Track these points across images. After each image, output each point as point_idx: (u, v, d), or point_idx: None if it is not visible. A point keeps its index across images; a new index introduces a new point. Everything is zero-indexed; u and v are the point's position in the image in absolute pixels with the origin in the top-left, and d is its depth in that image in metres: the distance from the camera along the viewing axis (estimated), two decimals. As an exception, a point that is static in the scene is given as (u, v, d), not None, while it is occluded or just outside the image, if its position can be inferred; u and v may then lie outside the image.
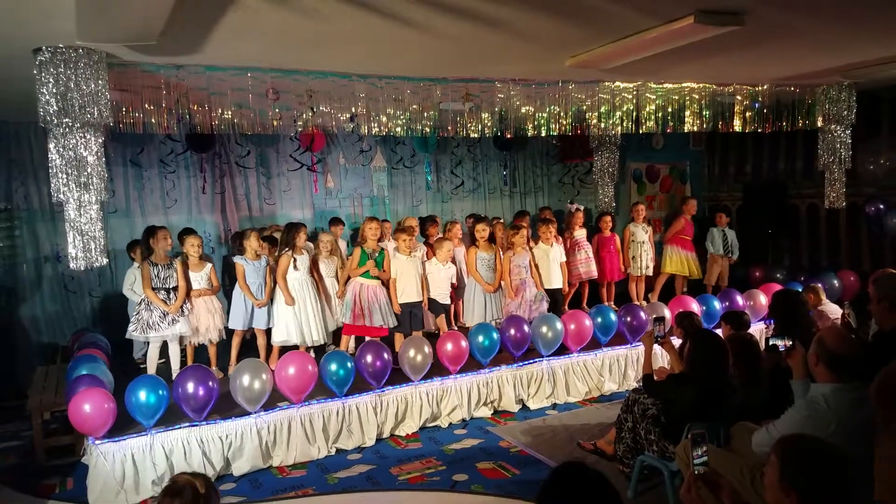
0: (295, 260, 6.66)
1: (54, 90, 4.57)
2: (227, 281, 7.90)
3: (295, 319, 6.60)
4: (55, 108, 4.57)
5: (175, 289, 6.31)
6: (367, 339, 6.50)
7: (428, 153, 10.56)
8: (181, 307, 6.31)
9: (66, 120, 4.60)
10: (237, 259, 6.63)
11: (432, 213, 9.59)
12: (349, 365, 5.80)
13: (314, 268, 6.99)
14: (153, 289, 6.21)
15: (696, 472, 2.70)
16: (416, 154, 10.52)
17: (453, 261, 7.25)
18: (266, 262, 6.66)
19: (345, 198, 10.09)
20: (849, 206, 8.74)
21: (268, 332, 6.77)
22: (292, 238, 6.71)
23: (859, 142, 8.62)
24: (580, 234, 8.76)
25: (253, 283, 6.55)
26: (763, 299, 7.77)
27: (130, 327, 6.31)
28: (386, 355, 5.97)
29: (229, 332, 6.74)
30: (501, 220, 9.08)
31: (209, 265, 6.63)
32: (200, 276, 6.52)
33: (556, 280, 7.86)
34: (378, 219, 7.06)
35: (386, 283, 6.77)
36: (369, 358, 5.89)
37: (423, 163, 10.64)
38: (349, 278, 6.92)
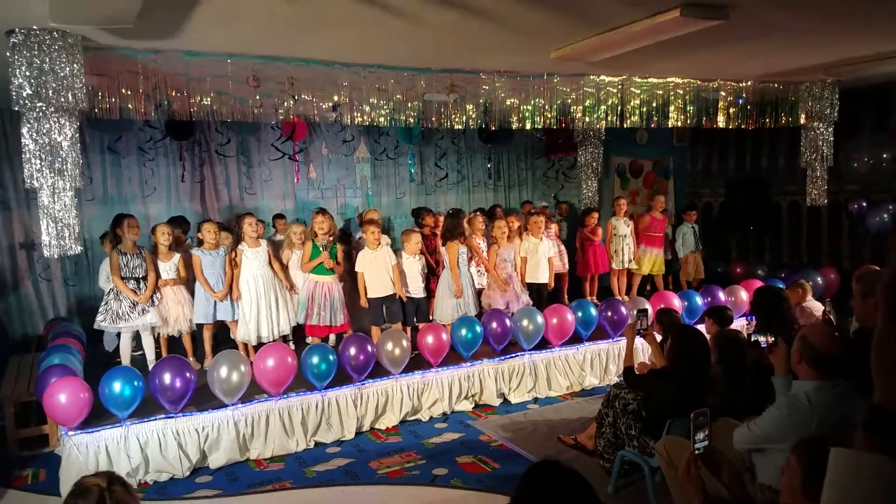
0: (237, 256, 6.51)
1: (27, 73, 4.47)
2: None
3: (250, 316, 6.50)
4: (28, 91, 4.48)
5: (144, 278, 6.20)
6: (345, 334, 6.44)
7: (412, 144, 10.48)
8: (151, 297, 6.21)
9: (40, 104, 4.51)
10: (194, 251, 6.51)
11: (418, 206, 9.54)
12: (331, 358, 5.73)
13: (277, 260, 6.80)
14: (122, 278, 6.10)
15: (696, 453, 2.71)
16: (399, 145, 10.45)
17: (422, 252, 7.15)
18: (224, 252, 6.53)
19: (327, 188, 10.00)
20: (830, 204, 8.79)
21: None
22: (238, 230, 6.63)
23: (842, 139, 8.66)
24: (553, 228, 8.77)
25: (210, 274, 6.43)
26: (744, 295, 7.80)
27: (99, 317, 6.18)
28: (369, 348, 5.91)
29: (200, 325, 6.64)
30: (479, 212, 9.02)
31: (177, 255, 6.52)
32: (169, 266, 6.42)
33: (543, 274, 7.84)
34: (327, 212, 6.94)
35: (344, 277, 6.70)
36: (352, 351, 5.83)
37: (406, 154, 10.57)
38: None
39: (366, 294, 6.68)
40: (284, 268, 6.90)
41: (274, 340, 6.51)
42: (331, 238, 6.72)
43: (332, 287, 6.62)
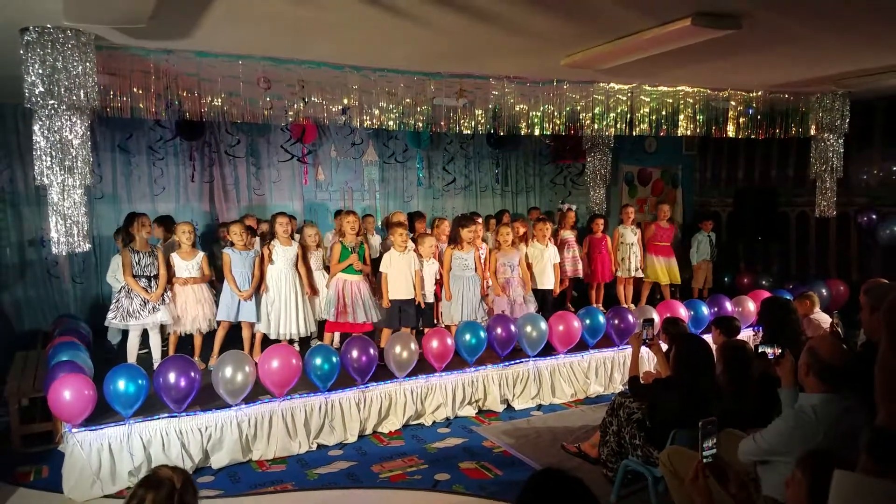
0: (270, 252, 6.61)
1: (40, 71, 4.50)
2: (212, 271, 7.81)
3: (271, 311, 6.56)
4: (41, 89, 4.51)
5: (156, 277, 6.22)
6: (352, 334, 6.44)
7: (420, 149, 10.50)
8: (162, 295, 6.22)
9: (52, 102, 4.54)
10: (225, 250, 6.57)
11: (420, 210, 9.56)
12: (334, 360, 5.73)
13: (304, 260, 6.89)
14: (134, 276, 6.13)
15: (704, 461, 2.69)
16: (408, 149, 10.47)
17: (436, 257, 7.15)
18: (254, 253, 6.59)
19: (335, 191, 10.02)
20: (839, 216, 8.76)
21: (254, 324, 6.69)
22: (271, 227, 6.70)
23: (852, 151, 8.63)
24: (569, 234, 8.74)
25: (238, 273, 6.47)
26: (752, 306, 7.76)
27: (110, 314, 6.21)
28: (371, 351, 5.91)
29: (218, 323, 6.65)
30: (490, 218, 9.02)
31: (201, 253, 6.56)
32: (192, 265, 6.44)
33: (548, 281, 7.81)
34: (356, 213, 7.00)
35: (369, 278, 6.71)
36: (355, 353, 5.83)
37: (415, 158, 10.59)
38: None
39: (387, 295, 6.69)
40: (310, 271, 6.95)
41: (290, 340, 6.58)
42: (359, 238, 6.76)
43: (360, 286, 6.64)
